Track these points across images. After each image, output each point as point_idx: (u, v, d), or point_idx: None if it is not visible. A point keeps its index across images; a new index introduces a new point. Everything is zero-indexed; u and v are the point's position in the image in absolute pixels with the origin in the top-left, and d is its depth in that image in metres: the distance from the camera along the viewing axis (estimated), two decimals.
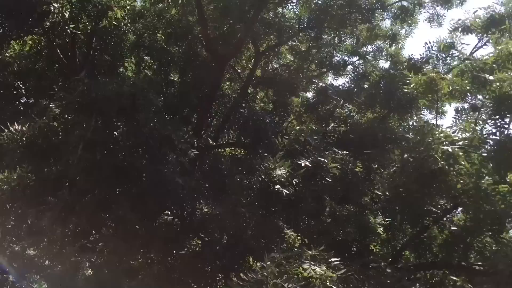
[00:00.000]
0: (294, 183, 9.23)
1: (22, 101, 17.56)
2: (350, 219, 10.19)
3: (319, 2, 16.95)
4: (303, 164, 9.51)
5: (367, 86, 13.90)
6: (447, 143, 7.48)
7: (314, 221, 9.86)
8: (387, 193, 7.50)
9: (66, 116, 9.01)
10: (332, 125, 13.19)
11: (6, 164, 10.19)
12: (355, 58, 23.29)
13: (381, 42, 22.25)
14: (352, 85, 14.58)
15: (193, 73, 13.42)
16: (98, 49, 16.05)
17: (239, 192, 8.69)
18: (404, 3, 18.43)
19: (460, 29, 13.33)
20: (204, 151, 14.73)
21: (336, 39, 19.75)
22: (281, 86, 13.77)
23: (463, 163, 7.29)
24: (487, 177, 7.38)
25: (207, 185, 9.56)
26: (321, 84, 24.61)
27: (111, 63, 16.11)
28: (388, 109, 13.77)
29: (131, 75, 16.06)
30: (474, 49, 13.50)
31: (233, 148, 14.49)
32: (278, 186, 8.88)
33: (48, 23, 11.51)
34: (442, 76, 10.26)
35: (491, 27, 12.07)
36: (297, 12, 15.14)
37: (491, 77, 8.06)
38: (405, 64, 22.33)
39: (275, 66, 18.91)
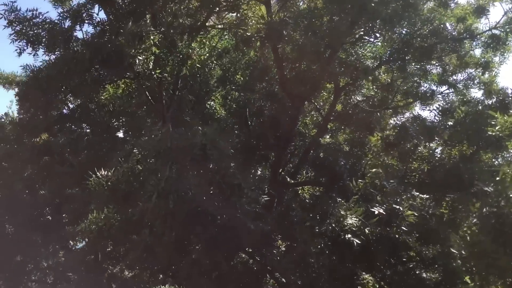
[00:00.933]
0: (367, 231, 8.95)
1: (118, 135, 18.96)
2: (436, 261, 9.58)
3: (402, 33, 16.56)
4: (376, 212, 9.22)
5: (451, 123, 13.17)
6: None
7: (389, 269, 9.46)
8: (463, 252, 6.98)
9: (147, 160, 9.57)
10: (413, 164, 12.59)
11: (94, 207, 11.08)
12: (444, 88, 22.43)
13: (473, 70, 21.11)
14: (436, 120, 13.91)
15: (270, 113, 13.63)
16: (183, 89, 16.95)
17: (309, 240, 8.60)
18: (496, 31, 17.37)
19: None
20: (283, 188, 14.85)
21: (422, 68, 18.99)
22: (359, 124, 13.49)
23: None
24: None
25: (278, 233, 9.56)
26: (407, 114, 23.85)
27: (196, 102, 16.95)
28: (476, 146, 12.95)
29: (218, 108, 16.67)
30: None
31: (310, 186, 14.42)
32: (349, 236, 8.67)
33: (136, 70, 12.47)
34: None
35: None
36: (375, 50, 14.86)
37: None
38: (500, 93, 21.05)
39: (357, 99, 18.62)
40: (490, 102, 13.37)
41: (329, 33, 11.87)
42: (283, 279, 10.85)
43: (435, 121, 13.95)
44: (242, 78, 14.72)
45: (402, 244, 9.51)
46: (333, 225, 8.73)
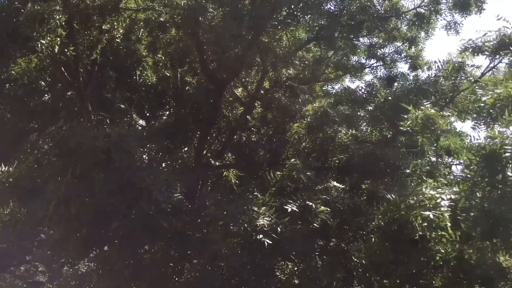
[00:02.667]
0: (279, 230, 8.93)
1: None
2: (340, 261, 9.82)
3: (331, 9, 16.41)
4: (289, 210, 9.21)
5: (371, 109, 13.30)
6: (431, 206, 7.00)
7: (302, 266, 9.59)
8: (364, 262, 7.11)
9: (49, 159, 8.98)
10: (332, 154, 12.67)
11: None
12: (372, 61, 22.84)
13: (400, 44, 21.53)
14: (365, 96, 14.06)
15: (190, 97, 13.19)
16: (104, 65, 16.01)
17: (221, 242, 8.48)
18: (420, 10, 17.59)
19: (470, 49, 12.55)
20: (207, 170, 14.64)
21: (350, 44, 19.03)
22: (280, 110, 13.33)
23: (446, 230, 6.84)
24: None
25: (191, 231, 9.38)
26: (338, 85, 24.08)
27: (121, 74, 16.08)
28: (394, 131, 13.23)
29: (150, 74, 15.77)
30: (486, 70, 12.68)
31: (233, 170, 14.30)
32: (261, 236, 8.62)
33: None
34: (441, 113, 9.72)
35: (501, 50, 11.38)
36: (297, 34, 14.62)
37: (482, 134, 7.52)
38: (425, 66, 21.64)
39: (289, 72, 18.49)
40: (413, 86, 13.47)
41: (250, 17, 11.44)
42: None
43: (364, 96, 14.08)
44: (163, 57, 14.04)
45: (316, 238, 9.64)
46: (245, 225, 8.62)
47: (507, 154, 7.10)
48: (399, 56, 22.12)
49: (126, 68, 16.37)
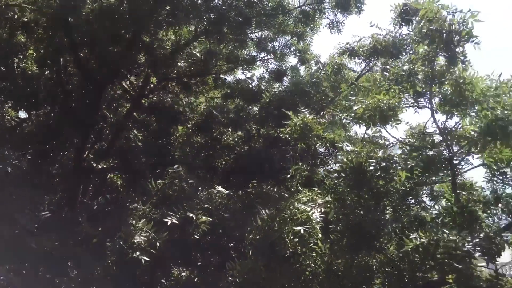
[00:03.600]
0: (158, 245, 8.63)
1: None
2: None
3: (219, 4, 16.24)
4: (169, 223, 8.94)
5: (257, 109, 13.39)
6: (303, 219, 7.14)
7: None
8: (237, 280, 7.10)
9: None
10: (219, 156, 12.55)
11: None
12: (263, 54, 23.16)
13: (289, 38, 22.02)
14: (243, 107, 14.03)
15: (66, 99, 12.26)
16: None
17: (91, 263, 7.98)
18: (305, 8, 18.02)
19: (348, 53, 13.07)
20: (88, 174, 13.82)
21: (239, 38, 19.02)
22: (165, 113, 12.89)
23: (317, 244, 7.03)
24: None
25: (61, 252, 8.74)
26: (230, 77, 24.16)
27: None
28: (279, 132, 13.44)
29: (30, 63, 14.24)
30: (362, 73, 13.30)
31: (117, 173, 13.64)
32: (138, 253, 8.26)
33: None
34: (318, 120, 9.98)
35: (375, 55, 11.97)
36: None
37: (348, 147, 7.82)
38: (313, 60, 22.38)
39: (180, 65, 18.08)
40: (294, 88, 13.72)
41: (130, 17, 10.85)
42: None
43: (243, 107, 14.06)
44: (35, 54, 12.85)
45: (196, 248, 9.49)
46: (121, 243, 8.20)
47: (371, 168, 7.45)
48: (288, 50, 22.73)
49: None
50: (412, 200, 8.87)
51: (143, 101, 14.97)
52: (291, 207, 7.31)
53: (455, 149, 9.00)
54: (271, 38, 21.44)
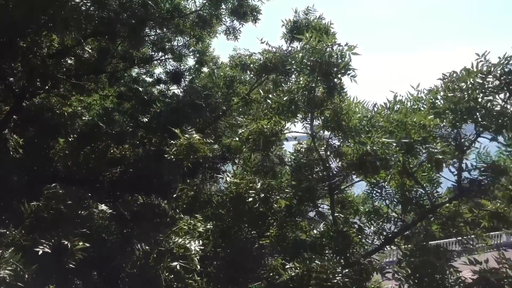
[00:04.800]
0: (26, 278, 7.98)
1: None
2: None
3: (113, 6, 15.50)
4: (40, 252, 8.30)
5: (146, 120, 12.95)
6: (180, 254, 7.00)
7: None
8: None
9: None
10: (104, 169, 11.96)
11: None
12: (161, 54, 22.70)
13: (188, 38, 21.76)
14: (134, 115, 13.52)
15: None
16: None
17: None
18: (202, 13, 17.82)
19: (240, 66, 13.10)
20: None
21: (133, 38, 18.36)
22: (45, 122, 11.97)
23: (194, 278, 6.94)
24: None
25: None
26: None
27: None
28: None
29: None
30: (253, 87, 13.40)
31: None
32: None
33: None
34: (204, 140, 9.86)
35: (265, 72, 12.12)
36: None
37: (228, 178, 7.81)
38: (211, 62, 22.32)
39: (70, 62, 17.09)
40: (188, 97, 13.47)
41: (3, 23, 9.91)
42: None
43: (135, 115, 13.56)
44: None
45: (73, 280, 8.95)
46: None
47: (250, 199, 7.50)
48: (187, 51, 22.48)
49: None
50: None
51: (24, 104, 13.83)
52: (169, 241, 7.13)
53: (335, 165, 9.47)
54: (168, 38, 21.03)
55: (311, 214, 10.58)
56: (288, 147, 12.28)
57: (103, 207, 10.64)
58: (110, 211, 10.60)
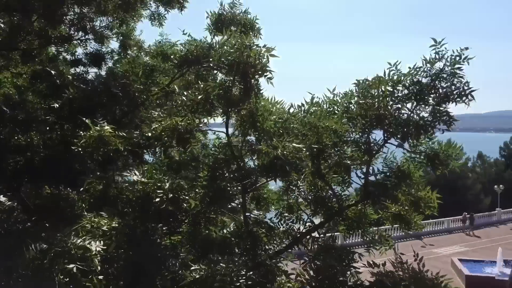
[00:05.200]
0: None
1: None
2: None
3: None
4: None
5: (58, 106, 12.19)
6: (79, 255, 6.64)
7: None
8: None
9: None
10: (6, 157, 11.15)
11: None
12: (81, 33, 21.47)
13: (111, 20, 20.74)
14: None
15: None
16: None
17: None
18: None
19: (160, 56, 12.70)
20: None
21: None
22: None
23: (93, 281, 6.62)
24: None
25: None
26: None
27: None
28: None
29: None
30: (175, 77, 12.96)
31: None
32: None
33: None
34: (115, 133, 9.44)
35: (187, 64, 11.80)
36: None
37: (135, 177, 7.55)
38: (136, 47, 21.49)
39: None
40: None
41: None
42: None
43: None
44: None
45: None
46: None
47: (157, 199, 7.30)
48: (110, 33, 21.37)
49: None
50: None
51: None
52: (67, 241, 6.76)
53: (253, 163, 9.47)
54: (90, 18, 19.94)
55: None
56: (211, 141, 12.10)
57: (1, 198, 9.97)
58: (10, 203, 9.95)
